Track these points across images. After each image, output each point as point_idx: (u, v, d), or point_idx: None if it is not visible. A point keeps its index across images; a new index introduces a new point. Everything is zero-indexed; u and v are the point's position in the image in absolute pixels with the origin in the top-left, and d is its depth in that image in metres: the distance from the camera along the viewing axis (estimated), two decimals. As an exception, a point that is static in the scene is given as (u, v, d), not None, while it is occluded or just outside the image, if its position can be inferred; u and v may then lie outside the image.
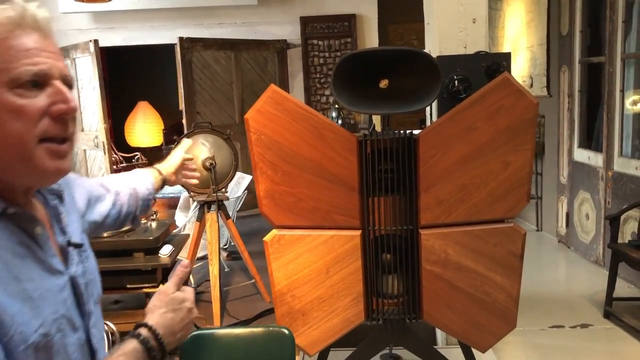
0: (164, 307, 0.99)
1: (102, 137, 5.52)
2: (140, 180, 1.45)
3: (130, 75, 8.73)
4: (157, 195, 1.56)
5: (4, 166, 0.87)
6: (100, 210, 1.30)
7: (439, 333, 3.15)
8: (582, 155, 4.76)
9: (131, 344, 0.92)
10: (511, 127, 2.27)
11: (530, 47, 5.51)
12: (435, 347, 2.94)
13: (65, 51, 5.81)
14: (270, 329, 1.80)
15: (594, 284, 4.09)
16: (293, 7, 6.32)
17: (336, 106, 6.46)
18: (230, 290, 3.78)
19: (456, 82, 2.64)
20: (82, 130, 5.80)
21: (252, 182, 5.03)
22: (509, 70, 2.61)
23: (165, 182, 1.53)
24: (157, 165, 1.55)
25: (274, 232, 2.39)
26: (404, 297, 2.45)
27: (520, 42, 5.72)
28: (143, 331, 0.94)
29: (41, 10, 0.92)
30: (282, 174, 2.33)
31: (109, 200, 1.33)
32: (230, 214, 3.88)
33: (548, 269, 4.59)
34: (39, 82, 0.88)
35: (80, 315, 0.97)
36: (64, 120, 0.89)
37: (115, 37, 6.25)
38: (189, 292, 1.03)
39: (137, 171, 1.50)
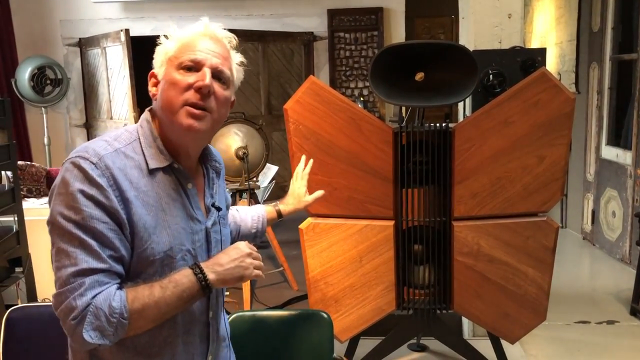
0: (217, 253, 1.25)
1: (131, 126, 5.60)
2: (251, 220, 1.68)
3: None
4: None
5: (165, 122, 1.21)
6: None
7: (466, 325, 3.19)
8: (610, 153, 4.73)
9: (184, 269, 1.18)
10: (547, 122, 2.29)
11: (560, 43, 5.48)
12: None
13: (96, 40, 5.91)
14: (310, 312, 1.85)
15: (619, 282, 4.08)
16: (320, 0, 6.34)
17: (361, 99, 6.50)
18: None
19: (491, 76, 2.66)
20: (111, 118, 5.89)
21: (277, 173, 5.10)
22: (544, 66, 2.63)
23: (280, 216, 1.76)
24: (282, 206, 1.77)
25: (309, 220, 2.44)
26: (435, 287, 2.49)
27: (549, 38, 5.69)
28: (194, 264, 1.21)
29: (220, 28, 1.27)
30: (318, 163, 2.37)
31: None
32: (259, 203, 3.93)
33: (573, 266, 4.59)
34: (194, 67, 1.20)
35: (207, 257, 1.25)
36: (202, 93, 1.19)
37: (144, 27, 6.32)
38: (242, 242, 1.26)
39: (257, 209, 1.72)
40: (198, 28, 1.25)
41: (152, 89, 1.25)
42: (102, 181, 1.10)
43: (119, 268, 1.12)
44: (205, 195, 1.31)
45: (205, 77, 1.19)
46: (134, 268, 1.15)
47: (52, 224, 1.11)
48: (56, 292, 1.09)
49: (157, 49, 1.25)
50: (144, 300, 1.11)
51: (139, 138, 1.21)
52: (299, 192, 1.80)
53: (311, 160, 1.91)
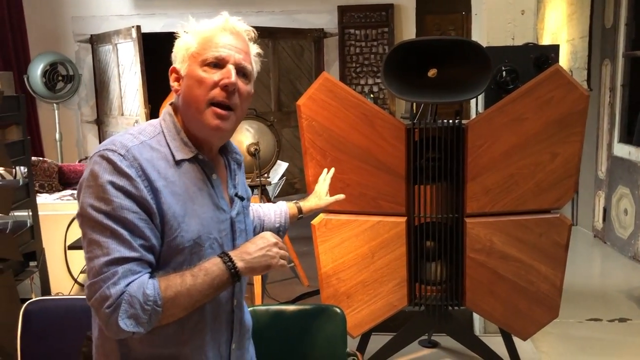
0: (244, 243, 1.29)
1: (142, 122, 5.64)
2: (274, 215, 1.70)
3: (169, 61, 8.84)
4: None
5: (190, 119, 1.24)
6: None
7: (477, 321, 3.19)
8: (623, 150, 4.71)
9: (213, 257, 1.21)
10: (561, 119, 2.29)
11: (571, 40, 5.45)
12: (473, 335, 2.97)
13: (107, 37, 5.93)
14: (323, 307, 1.86)
15: (631, 280, 4.07)
16: (331, -4, 6.34)
17: (371, 95, 6.49)
18: (269, 273, 3.86)
19: (504, 73, 2.65)
20: (122, 114, 5.92)
21: (286, 170, 5.11)
22: (557, 63, 2.61)
23: (301, 214, 1.79)
24: (302, 203, 1.81)
25: (322, 216, 2.45)
26: (447, 284, 2.50)
27: (561, 35, 5.66)
28: (222, 252, 1.24)
29: (239, 22, 1.28)
30: (331, 159, 2.38)
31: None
32: (270, 199, 3.94)
33: (584, 263, 4.57)
34: (219, 64, 1.22)
35: (232, 247, 1.29)
36: (228, 91, 1.22)
37: (155, 24, 6.34)
38: (268, 232, 1.29)
39: (280, 205, 1.74)
40: (218, 22, 1.25)
41: (174, 84, 1.27)
42: (131, 172, 1.13)
43: (150, 257, 1.15)
44: (228, 186, 1.34)
45: (230, 74, 1.21)
46: (164, 257, 1.18)
47: (83, 216, 1.13)
48: (89, 282, 1.11)
49: (177, 44, 1.26)
50: (176, 288, 1.13)
51: (162, 131, 1.24)
52: (320, 192, 1.89)
53: (333, 169, 2.06)
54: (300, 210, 1.77)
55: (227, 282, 1.19)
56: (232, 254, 1.21)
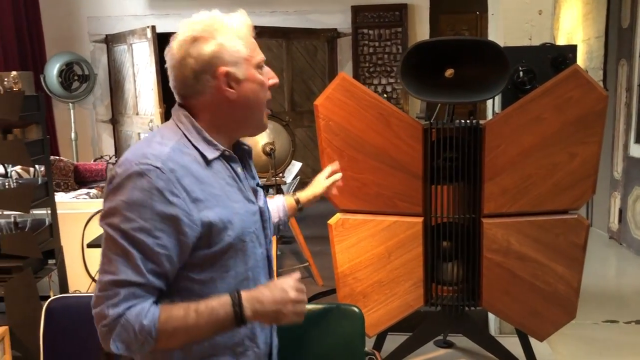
0: (262, 286, 1.22)
1: (157, 121, 5.67)
2: (273, 212, 1.61)
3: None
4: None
5: (242, 120, 1.26)
6: None
7: (492, 322, 3.18)
8: (639, 151, 4.67)
9: (225, 296, 1.16)
10: (580, 119, 2.28)
11: (587, 39, 5.42)
12: (488, 335, 2.96)
13: (122, 37, 5.98)
14: (342, 306, 1.86)
15: (647, 281, 4.04)
16: (345, -4, 6.34)
17: (385, 95, 6.49)
18: (283, 273, 3.88)
19: (521, 73, 2.64)
20: (137, 114, 5.97)
21: (300, 169, 5.12)
22: (575, 63, 2.60)
23: (300, 206, 1.73)
24: (299, 194, 1.74)
25: (338, 215, 2.45)
26: (463, 284, 2.49)
27: (576, 35, 5.63)
28: (235, 293, 1.18)
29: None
30: (347, 159, 2.39)
31: None
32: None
33: (599, 265, 4.54)
34: (262, 65, 1.26)
35: (264, 237, 1.31)
36: (270, 90, 1.28)
37: (170, 24, 6.38)
38: (291, 281, 1.21)
39: (277, 200, 1.68)
40: (246, 21, 1.26)
41: (228, 89, 1.21)
42: (168, 187, 1.11)
43: (158, 283, 1.13)
44: (247, 178, 1.34)
45: (272, 74, 1.27)
46: (210, 260, 1.17)
47: (104, 226, 1.13)
48: (95, 294, 1.12)
49: (217, 46, 1.19)
50: (176, 323, 1.12)
51: (183, 134, 1.22)
52: (318, 178, 1.79)
53: (339, 173, 1.83)
54: (298, 201, 1.72)
55: (230, 326, 1.16)
56: (245, 298, 1.16)
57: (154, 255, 1.11)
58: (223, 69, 1.20)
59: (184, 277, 1.18)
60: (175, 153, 1.16)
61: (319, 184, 1.77)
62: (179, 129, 1.23)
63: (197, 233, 1.14)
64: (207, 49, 1.20)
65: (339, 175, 1.79)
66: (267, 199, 1.67)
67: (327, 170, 1.80)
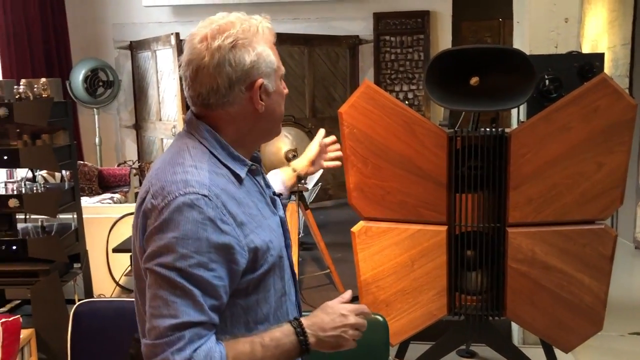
0: (319, 311, 1.18)
1: (180, 127, 5.73)
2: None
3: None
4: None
5: (269, 132, 1.22)
6: None
7: (516, 332, 3.15)
8: (665, 160, 4.60)
9: (286, 325, 1.14)
10: (607, 128, 2.25)
11: (613, 47, 5.35)
12: (511, 346, 2.93)
13: (147, 43, 6.06)
14: (366, 315, 1.85)
15: (674, 293, 3.96)
16: (367, 3, 6.35)
17: (406, 102, 6.48)
18: (304, 279, 3.88)
19: (547, 81, 2.62)
20: (160, 119, 6.03)
21: (321, 176, 5.13)
22: (603, 71, 2.57)
23: (300, 177, 1.63)
24: (293, 162, 1.66)
25: (362, 223, 2.45)
26: (487, 293, 2.47)
27: (601, 42, 5.56)
28: (296, 321, 1.15)
29: None
30: (372, 167, 2.39)
31: None
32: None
33: (625, 275, 4.46)
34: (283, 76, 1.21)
35: (285, 247, 1.25)
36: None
37: (193, 31, 6.46)
38: (349, 305, 1.18)
39: (271, 172, 1.61)
40: (272, 28, 1.19)
41: (260, 102, 1.14)
42: (218, 216, 1.04)
43: (216, 319, 1.07)
44: (266, 187, 1.29)
45: (285, 86, 1.23)
46: (255, 283, 1.13)
47: (154, 268, 1.04)
48: (151, 342, 1.03)
49: (256, 55, 1.12)
50: (245, 359, 1.07)
51: (210, 151, 1.13)
52: (310, 152, 1.67)
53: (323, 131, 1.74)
54: (294, 170, 1.62)
55: (295, 356, 1.12)
56: (306, 324, 1.12)
57: (213, 289, 1.05)
58: (260, 80, 1.13)
59: (229, 304, 1.11)
60: (212, 177, 1.08)
61: (310, 149, 1.67)
62: (204, 145, 1.13)
63: (246, 259, 1.09)
64: (248, 58, 1.11)
65: (323, 132, 1.70)
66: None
67: (320, 134, 1.70)
